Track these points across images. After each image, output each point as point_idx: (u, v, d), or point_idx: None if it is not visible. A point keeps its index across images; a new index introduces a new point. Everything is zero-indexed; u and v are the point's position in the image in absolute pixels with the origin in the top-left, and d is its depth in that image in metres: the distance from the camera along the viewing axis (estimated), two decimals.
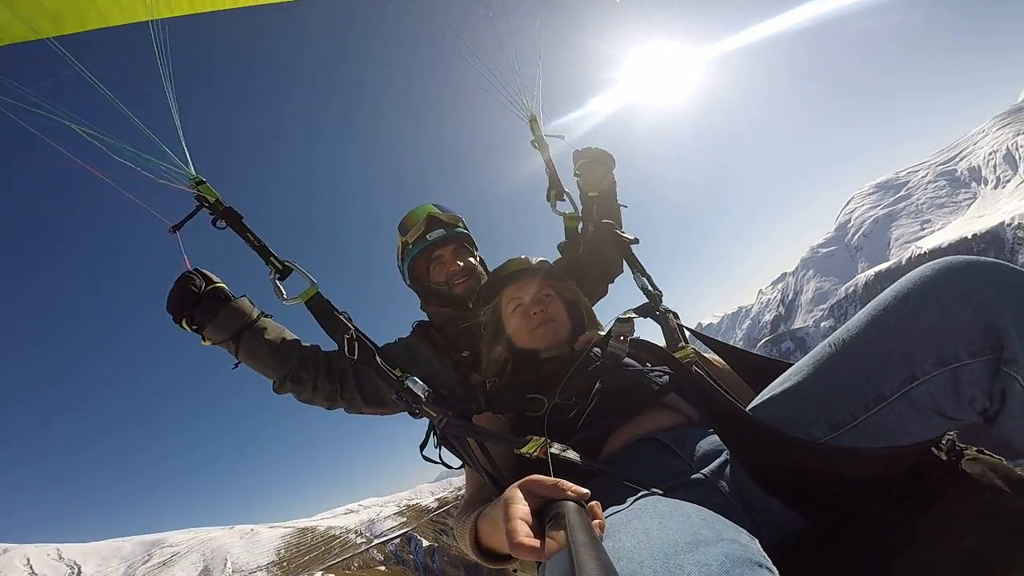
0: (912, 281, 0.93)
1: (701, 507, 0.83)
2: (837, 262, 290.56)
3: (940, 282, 0.90)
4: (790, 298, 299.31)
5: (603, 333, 1.55)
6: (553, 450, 1.12)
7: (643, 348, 1.49)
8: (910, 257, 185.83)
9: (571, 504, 0.71)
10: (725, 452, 1.13)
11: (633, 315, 1.59)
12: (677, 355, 1.44)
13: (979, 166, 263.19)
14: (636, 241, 2.02)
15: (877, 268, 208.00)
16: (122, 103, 1.64)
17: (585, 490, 0.76)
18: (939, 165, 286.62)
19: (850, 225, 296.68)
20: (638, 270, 1.93)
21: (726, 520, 0.79)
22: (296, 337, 1.85)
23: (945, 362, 0.87)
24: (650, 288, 1.84)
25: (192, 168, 1.67)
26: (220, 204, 1.69)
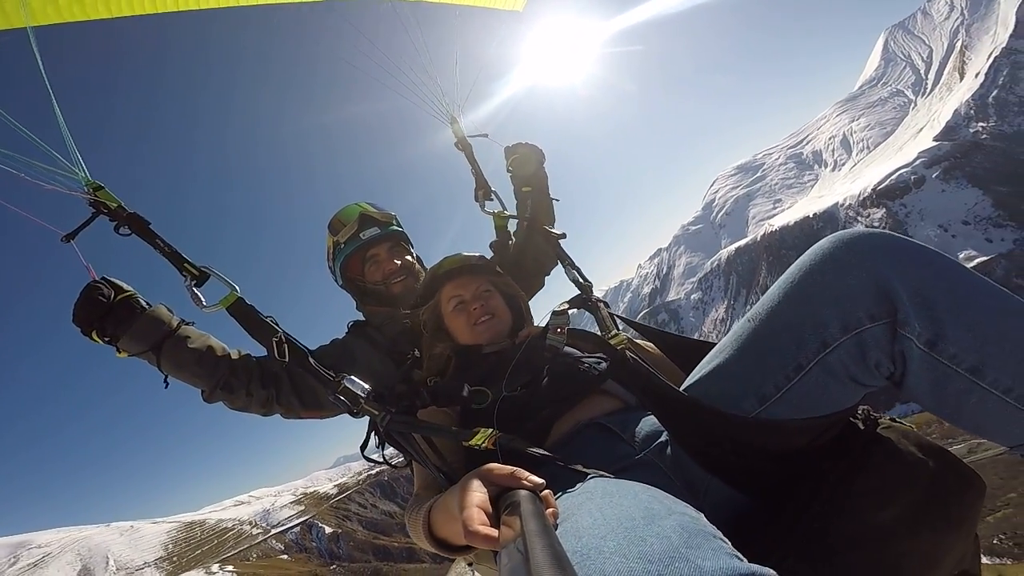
0: (814, 254, 1.01)
1: (648, 486, 0.86)
2: (704, 239, 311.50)
3: (837, 252, 0.97)
4: (664, 272, 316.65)
5: (541, 326, 1.61)
6: (502, 441, 1.14)
7: (580, 337, 1.56)
8: (764, 234, 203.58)
9: (525, 493, 0.72)
10: (664, 433, 1.17)
11: (567, 307, 1.65)
12: (611, 342, 1.47)
13: (821, 150, 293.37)
14: (563, 236, 2.05)
15: (737, 244, 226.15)
16: None
17: (540, 480, 0.78)
18: (789, 148, 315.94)
19: (715, 204, 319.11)
20: (568, 263, 1.96)
21: (673, 496, 0.82)
22: (223, 344, 1.75)
23: (850, 327, 0.94)
24: (580, 280, 1.86)
25: (86, 172, 1.56)
26: (123, 210, 1.58)
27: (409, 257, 2.15)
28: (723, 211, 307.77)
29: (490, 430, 1.18)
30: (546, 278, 2.26)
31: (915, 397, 0.95)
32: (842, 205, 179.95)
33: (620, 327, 1.62)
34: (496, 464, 0.84)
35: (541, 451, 1.13)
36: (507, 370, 1.44)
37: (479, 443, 1.16)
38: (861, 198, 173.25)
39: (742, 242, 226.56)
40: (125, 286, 1.60)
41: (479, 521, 0.72)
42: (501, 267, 1.93)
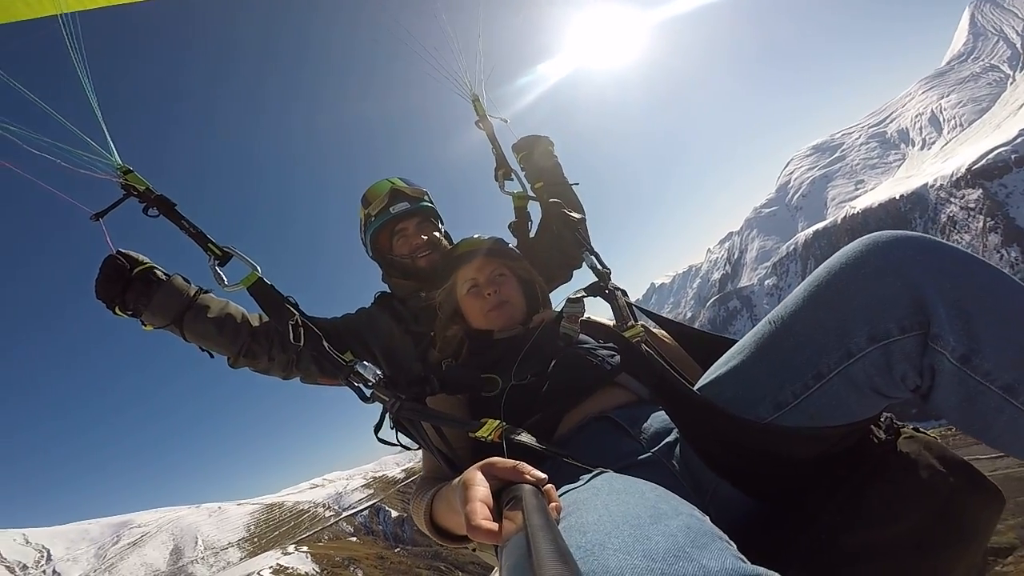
0: (844, 256, 0.94)
1: (655, 485, 0.85)
2: (779, 221, 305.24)
3: (870, 257, 0.90)
4: (736, 257, 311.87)
5: (556, 312, 1.62)
6: (509, 434, 1.13)
7: (594, 328, 1.54)
8: (844, 216, 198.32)
9: (528, 487, 0.72)
10: (675, 431, 1.15)
11: (583, 295, 1.63)
12: (626, 334, 1.43)
13: (907, 128, 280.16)
14: (582, 220, 2.04)
15: (815, 227, 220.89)
16: (33, 92, 1.57)
17: (543, 475, 0.77)
18: (871, 127, 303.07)
19: (790, 186, 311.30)
20: (586, 248, 1.92)
21: (679, 497, 0.81)
22: (242, 309, 1.81)
23: (877, 337, 0.87)
24: (598, 266, 1.82)
25: (117, 156, 1.60)
26: (151, 192, 1.61)
27: (437, 233, 2.16)
28: (799, 193, 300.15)
29: (497, 422, 1.16)
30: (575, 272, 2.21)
31: (941, 411, 0.90)
32: (932, 186, 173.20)
33: (637, 317, 1.60)
34: (499, 458, 0.84)
35: (547, 447, 1.13)
36: (518, 357, 1.42)
37: (485, 435, 1.15)
38: (954, 178, 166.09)
39: (821, 225, 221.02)
40: (142, 258, 1.63)
41: (482, 515, 0.71)
42: (520, 249, 1.94)
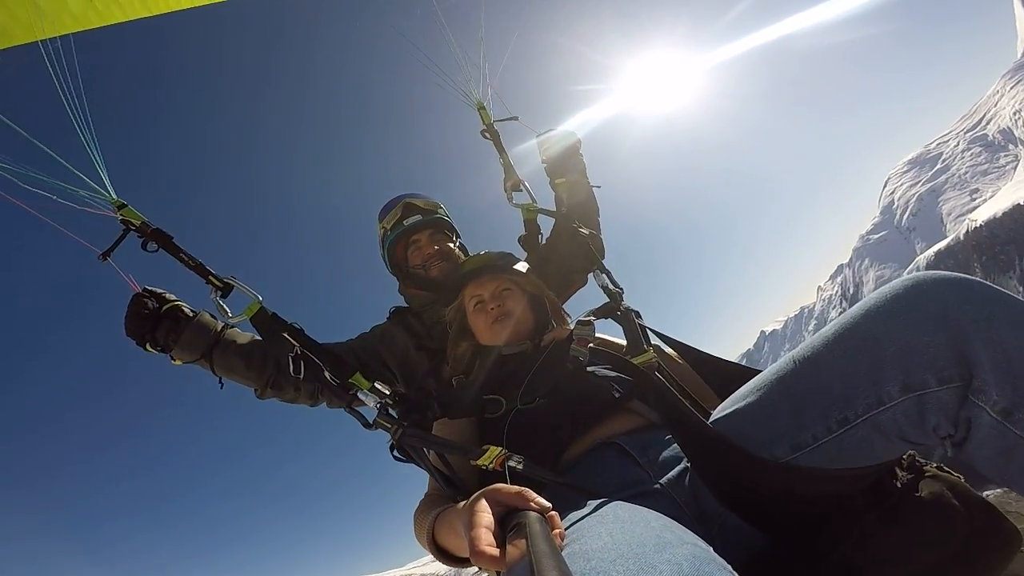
0: (883, 298, 0.88)
1: (660, 515, 0.84)
2: (892, 246, 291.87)
3: (912, 301, 0.84)
4: (851, 291, 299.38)
5: (568, 330, 1.57)
6: (511, 463, 1.12)
7: (605, 351, 1.47)
8: (967, 231, 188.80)
9: (533, 514, 0.72)
10: (685, 460, 1.12)
11: (592, 318, 1.57)
12: (638, 359, 1.41)
13: (1009, 127, 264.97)
14: (592, 236, 1.98)
15: (936, 247, 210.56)
16: (16, 119, 1.54)
17: (547, 503, 0.77)
18: (967, 132, 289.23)
19: (895, 207, 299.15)
20: (597, 266, 1.86)
21: (685, 528, 0.80)
22: None
23: (912, 388, 0.82)
24: (610, 286, 1.76)
25: (112, 192, 1.60)
26: (147, 226, 1.61)
27: (451, 244, 2.19)
28: (908, 212, 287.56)
29: (499, 449, 1.16)
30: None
31: (973, 461, 0.85)
32: None
33: (651, 341, 1.55)
34: (503, 484, 0.83)
35: (550, 476, 1.13)
36: (525, 377, 1.41)
37: (486, 463, 1.15)
38: None
39: (942, 244, 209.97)
40: (169, 295, 1.67)
41: (486, 542, 0.71)
42: (531, 263, 1.88)
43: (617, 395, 1.32)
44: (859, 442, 0.89)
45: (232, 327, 1.75)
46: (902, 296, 0.85)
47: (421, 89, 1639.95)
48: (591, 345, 1.46)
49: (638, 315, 1.62)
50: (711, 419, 1.10)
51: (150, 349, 1.64)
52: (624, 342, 1.59)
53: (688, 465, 1.11)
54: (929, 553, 0.85)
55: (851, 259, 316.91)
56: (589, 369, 1.41)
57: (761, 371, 1.12)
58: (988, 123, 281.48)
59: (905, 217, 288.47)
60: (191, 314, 1.68)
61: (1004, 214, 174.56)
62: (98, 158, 1.60)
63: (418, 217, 2.12)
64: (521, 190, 2.15)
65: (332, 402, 1.81)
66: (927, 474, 0.93)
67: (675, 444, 1.17)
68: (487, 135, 2.24)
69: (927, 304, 0.82)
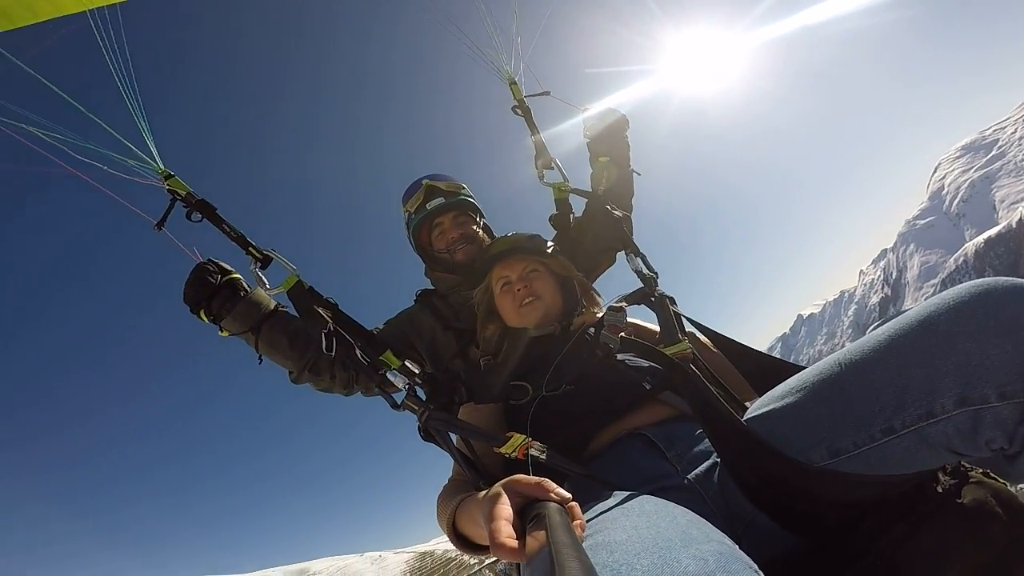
0: (945, 305, 0.82)
1: (686, 510, 0.83)
2: (939, 232, 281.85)
3: (980, 310, 0.78)
4: (894, 276, 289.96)
5: (598, 315, 1.53)
6: (533, 451, 1.10)
7: (637, 338, 1.38)
8: (1020, 219, 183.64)
9: (553, 505, 0.71)
10: (715, 456, 1.10)
11: (624, 304, 1.53)
12: (672, 349, 1.32)
13: None
14: (625, 218, 1.91)
15: (986, 234, 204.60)
16: (66, 89, 1.55)
17: (567, 493, 0.76)
18: None
19: (944, 192, 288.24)
20: (631, 250, 1.77)
21: (711, 524, 0.78)
22: None
23: (970, 402, 0.77)
24: (645, 270, 1.68)
25: (160, 163, 1.63)
26: (192, 196, 1.64)
27: (474, 226, 2.17)
28: (958, 199, 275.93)
29: (522, 437, 1.13)
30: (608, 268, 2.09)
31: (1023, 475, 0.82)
32: None
33: (686, 330, 1.48)
34: (523, 475, 0.82)
35: (573, 467, 1.12)
36: (553, 362, 1.38)
37: (509, 452, 1.13)
38: None
39: (993, 231, 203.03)
40: (230, 268, 1.70)
41: (506, 533, 0.71)
42: (560, 244, 1.86)
43: (648, 387, 1.28)
44: (903, 451, 0.84)
45: (285, 307, 1.77)
46: (968, 304, 0.80)
47: (448, 64, 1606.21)
48: (622, 334, 1.40)
49: (673, 302, 1.53)
50: (746, 416, 1.06)
51: (203, 317, 1.66)
52: (656, 327, 1.53)
53: (718, 461, 1.09)
54: (968, 559, 0.83)
55: (895, 244, 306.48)
56: (619, 357, 1.36)
57: (803, 367, 1.09)
58: None
59: (955, 203, 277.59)
60: (248, 288, 1.71)
61: None
62: (146, 128, 1.62)
63: (440, 200, 2.09)
64: (553, 168, 2.08)
65: (367, 387, 1.81)
66: (972, 480, 0.90)
67: (705, 439, 1.15)
68: (519, 111, 2.16)
69: (997, 314, 0.77)
